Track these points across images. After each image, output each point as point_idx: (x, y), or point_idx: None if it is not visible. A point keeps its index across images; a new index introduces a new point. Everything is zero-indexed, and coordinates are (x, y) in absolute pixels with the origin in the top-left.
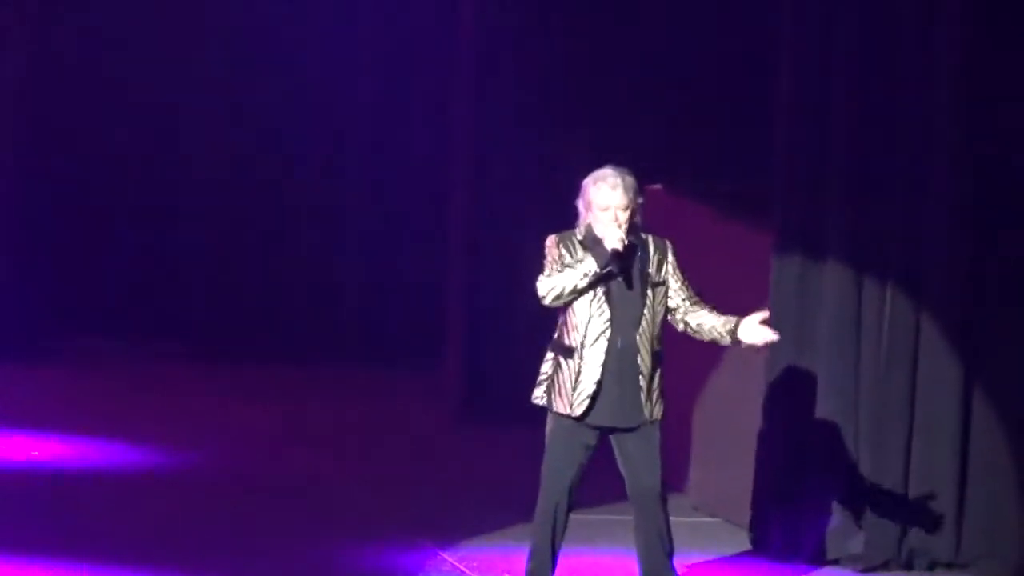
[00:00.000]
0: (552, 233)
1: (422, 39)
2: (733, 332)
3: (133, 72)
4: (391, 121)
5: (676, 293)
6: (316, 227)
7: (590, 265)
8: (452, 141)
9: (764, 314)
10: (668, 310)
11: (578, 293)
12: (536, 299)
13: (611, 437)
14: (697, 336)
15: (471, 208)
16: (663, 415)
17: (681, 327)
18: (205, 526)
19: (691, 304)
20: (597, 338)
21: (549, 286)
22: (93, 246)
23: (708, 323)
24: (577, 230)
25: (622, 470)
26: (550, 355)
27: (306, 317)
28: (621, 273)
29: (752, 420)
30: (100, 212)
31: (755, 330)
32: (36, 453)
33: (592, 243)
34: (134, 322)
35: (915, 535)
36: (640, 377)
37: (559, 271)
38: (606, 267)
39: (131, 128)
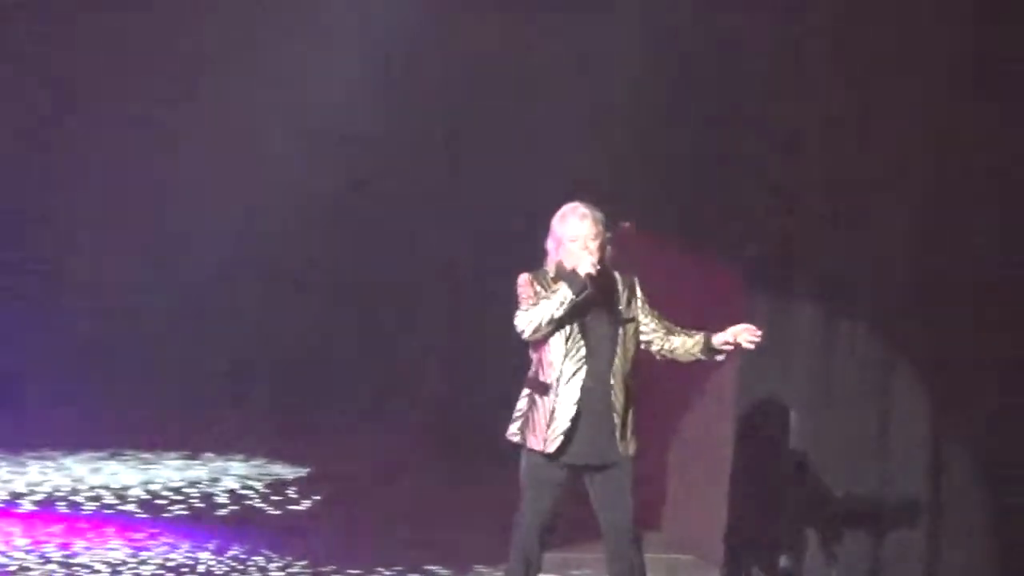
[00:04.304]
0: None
1: None
2: (707, 345)
3: None
4: None
5: (648, 327)
6: None
7: (565, 293)
8: None
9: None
10: (643, 343)
11: (556, 324)
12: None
13: (584, 476)
14: (679, 360)
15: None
16: (636, 452)
17: (659, 358)
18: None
19: (665, 334)
20: (572, 375)
21: (528, 319)
22: None
23: (682, 346)
24: (548, 267)
25: (595, 509)
26: (526, 391)
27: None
28: (595, 301)
29: (726, 457)
30: None
31: (726, 333)
32: None
33: (564, 276)
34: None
35: (888, 571)
36: (614, 415)
37: (535, 305)
38: (581, 293)
39: None
